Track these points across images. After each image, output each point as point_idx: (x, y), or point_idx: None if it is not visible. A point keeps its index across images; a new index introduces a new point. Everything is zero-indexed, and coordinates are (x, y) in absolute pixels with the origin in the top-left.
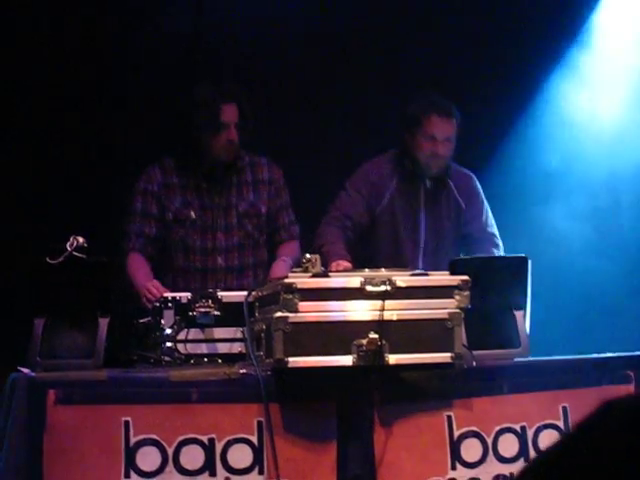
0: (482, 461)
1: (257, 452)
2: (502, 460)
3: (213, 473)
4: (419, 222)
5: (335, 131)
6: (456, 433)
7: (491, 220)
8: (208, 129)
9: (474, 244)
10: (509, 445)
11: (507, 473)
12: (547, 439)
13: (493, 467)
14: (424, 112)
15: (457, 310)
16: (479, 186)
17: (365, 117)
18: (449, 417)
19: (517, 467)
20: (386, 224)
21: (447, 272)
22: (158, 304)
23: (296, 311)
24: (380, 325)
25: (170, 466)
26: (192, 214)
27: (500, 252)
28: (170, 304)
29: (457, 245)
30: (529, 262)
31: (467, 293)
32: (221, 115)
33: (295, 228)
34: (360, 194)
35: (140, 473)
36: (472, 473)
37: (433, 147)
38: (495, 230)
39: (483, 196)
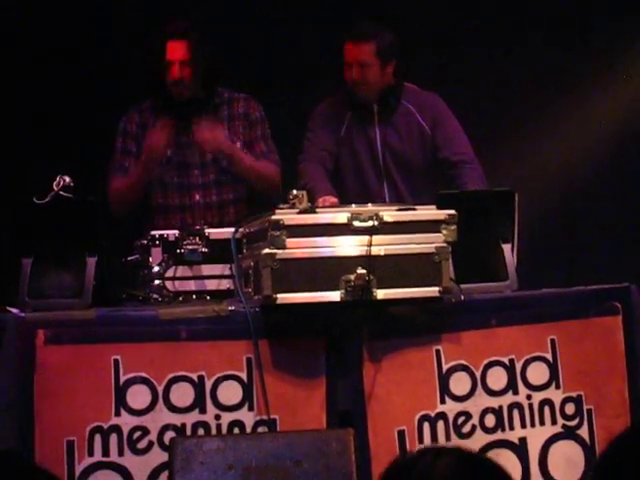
0: (471, 394)
1: (247, 389)
2: (491, 393)
3: (203, 410)
4: (375, 147)
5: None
6: (445, 367)
7: (465, 142)
8: (155, 68)
9: (452, 169)
10: (497, 378)
11: (496, 406)
12: (535, 371)
13: (482, 400)
14: (342, 41)
15: (444, 244)
16: (445, 106)
17: None
18: (438, 351)
19: (505, 400)
20: (347, 154)
21: (434, 206)
22: (146, 242)
23: (284, 247)
24: (368, 260)
25: (160, 404)
26: (167, 152)
27: (479, 176)
28: (158, 242)
29: (430, 174)
30: (516, 195)
31: (454, 227)
32: (166, 53)
33: (273, 156)
34: (323, 128)
35: (130, 411)
36: (461, 406)
37: (349, 73)
38: (471, 152)
39: (453, 117)
